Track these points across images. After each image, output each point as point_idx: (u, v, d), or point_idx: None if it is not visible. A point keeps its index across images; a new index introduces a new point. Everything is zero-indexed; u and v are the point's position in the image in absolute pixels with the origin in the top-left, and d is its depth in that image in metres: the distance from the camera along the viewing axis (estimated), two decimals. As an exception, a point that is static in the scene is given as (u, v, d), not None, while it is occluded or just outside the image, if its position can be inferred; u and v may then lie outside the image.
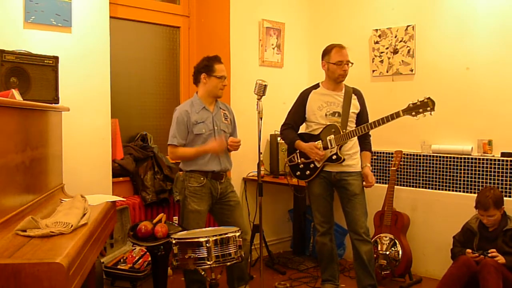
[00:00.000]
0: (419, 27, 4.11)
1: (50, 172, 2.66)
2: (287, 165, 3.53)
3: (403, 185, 4.18)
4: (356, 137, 3.37)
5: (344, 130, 3.29)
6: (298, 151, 3.43)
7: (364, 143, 3.46)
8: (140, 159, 4.04)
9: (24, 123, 2.22)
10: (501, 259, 3.05)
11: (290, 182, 3.70)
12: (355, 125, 3.37)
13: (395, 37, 4.25)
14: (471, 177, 3.82)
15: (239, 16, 4.38)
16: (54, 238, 1.91)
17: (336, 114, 3.36)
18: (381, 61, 4.35)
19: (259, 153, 3.15)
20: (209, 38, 4.51)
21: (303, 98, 3.46)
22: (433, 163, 4.03)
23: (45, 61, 2.93)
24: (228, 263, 2.66)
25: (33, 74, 2.85)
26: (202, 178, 3.21)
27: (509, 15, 3.66)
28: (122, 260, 3.52)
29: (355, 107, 3.40)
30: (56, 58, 2.98)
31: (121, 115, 4.05)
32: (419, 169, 4.11)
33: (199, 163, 3.21)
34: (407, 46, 4.18)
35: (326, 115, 3.36)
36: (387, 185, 3.98)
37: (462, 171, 3.87)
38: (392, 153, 4.15)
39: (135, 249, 3.63)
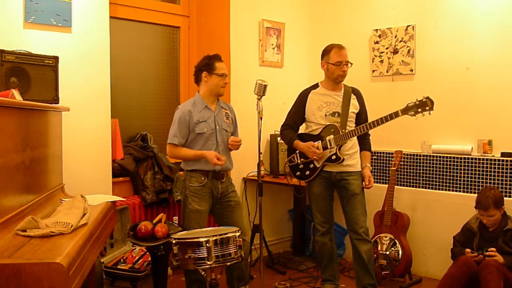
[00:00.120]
0: (419, 27, 4.11)
1: (50, 172, 2.66)
2: (287, 165, 3.53)
3: (403, 185, 4.18)
4: (355, 137, 3.37)
5: (343, 130, 3.28)
6: (298, 151, 3.43)
7: (364, 143, 3.46)
8: (140, 159, 4.04)
9: (24, 123, 2.22)
10: (499, 258, 3.05)
11: (290, 182, 3.70)
12: (354, 125, 3.37)
13: (395, 37, 4.25)
14: (471, 177, 3.82)
15: (239, 16, 4.38)
16: (54, 238, 1.92)
17: (336, 114, 3.35)
18: (381, 61, 4.35)
19: (259, 153, 3.15)
20: (209, 38, 4.51)
21: (302, 99, 3.46)
22: (433, 163, 4.03)
23: (45, 61, 2.93)
24: (228, 263, 2.66)
25: (33, 74, 2.85)
26: (203, 178, 3.21)
27: (509, 15, 3.66)
28: (122, 260, 3.52)
29: (354, 107, 3.40)
30: (56, 58, 2.98)
31: (121, 115, 4.05)
32: (419, 169, 4.11)
33: (200, 162, 3.21)
34: (407, 46, 4.18)
35: (325, 115, 3.36)
36: (387, 185, 3.98)
37: (462, 171, 3.87)
38: (392, 153, 4.15)
39: (135, 249, 3.63)
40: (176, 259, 2.62)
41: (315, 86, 3.48)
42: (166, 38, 4.51)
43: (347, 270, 4.15)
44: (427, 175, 4.06)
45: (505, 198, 3.27)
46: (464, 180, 3.86)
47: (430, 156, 4.05)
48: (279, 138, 4.28)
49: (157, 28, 4.45)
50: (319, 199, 3.43)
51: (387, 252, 3.79)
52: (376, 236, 3.88)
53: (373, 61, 4.41)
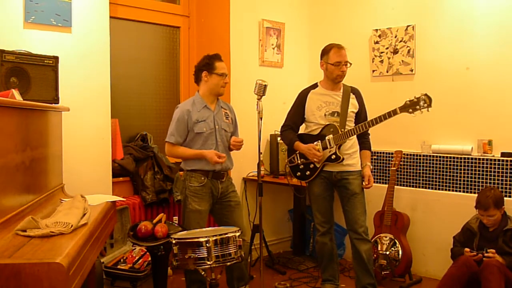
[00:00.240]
0: (419, 27, 4.11)
1: (50, 172, 2.66)
2: (287, 166, 3.53)
3: (403, 185, 4.18)
4: (355, 137, 3.36)
5: (343, 130, 3.28)
6: (298, 152, 3.43)
7: (363, 142, 3.46)
8: (140, 159, 4.04)
9: (24, 123, 2.22)
10: (499, 259, 3.04)
11: (290, 182, 3.70)
12: (354, 124, 3.36)
13: (395, 37, 4.25)
14: (471, 177, 3.82)
15: (239, 16, 4.38)
16: (54, 238, 1.92)
17: (335, 114, 3.35)
18: (381, 61, 4.35)
19: (259, 153, 3.14)
20: (209, 38, 4.51)
21: (302, 99, 3.46)
22: (433, 163, 4.03)
23: (45, 61, 2.93)
24: (228, 263, 2.66)
25: (33, 74, 2.85)
26: (203, 178, 3.21)
27: (509, 15, 3.66)
28: (122, 260, 3.52)
29: (353, 106, 3.40)
30: (56, 58, 2.98)
31: (121, 115, 4.05)
32: (419, 169, 4.11)
33: (200, 162, 3.21)
34: (407, 46, 4.18)
35: (325, 115, 3.36)
36: (387, 185, 3.98)
37: (462, 171, 3.87)
38: (392, 153, 4.15)
39: (135, 249, 3.63)
40: (176, 259, 2.62)
41: (314, 86, 3.48)
42: (166, 38, 4.51)
43: (347, 270, 4.15)
44: (427, 175, 4.06)
45: (505, 198, 3.27)
46: (464, 180, 3.86)
47: (430, 156, 4.05)
48: (279, 138, 4.28)
49: (157, 28, 4.45)
50: (319, 199, 3.43)
51: (387, 252, 3.79)
52: (376, 236, 3.88)
53: (373, 61, 4.41)
